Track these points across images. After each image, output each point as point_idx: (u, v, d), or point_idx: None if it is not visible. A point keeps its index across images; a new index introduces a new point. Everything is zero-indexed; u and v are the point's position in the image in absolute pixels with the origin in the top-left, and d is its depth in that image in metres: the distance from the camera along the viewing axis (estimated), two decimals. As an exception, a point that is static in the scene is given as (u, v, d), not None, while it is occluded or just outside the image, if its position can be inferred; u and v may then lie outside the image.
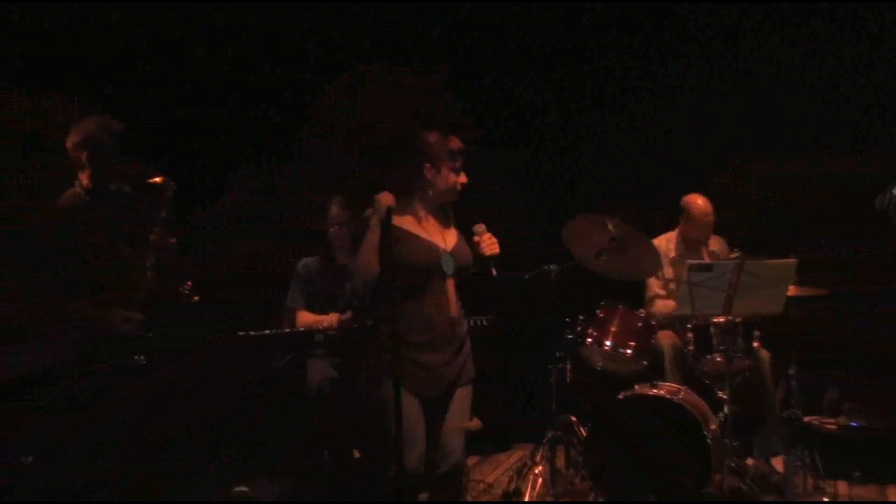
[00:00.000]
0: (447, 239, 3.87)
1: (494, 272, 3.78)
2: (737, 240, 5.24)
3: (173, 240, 4.17)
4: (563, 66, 6.54)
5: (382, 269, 3.65)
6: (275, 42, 6.08)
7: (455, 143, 3.95)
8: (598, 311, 4.81)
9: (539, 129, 6.77)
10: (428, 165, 3.86)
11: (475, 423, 3.88)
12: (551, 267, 4.67)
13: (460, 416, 3.80)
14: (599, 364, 4.86)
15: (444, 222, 3.93)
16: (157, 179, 4.12)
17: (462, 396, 3.81)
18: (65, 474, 4.44)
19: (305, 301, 4.98)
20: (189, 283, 4.17)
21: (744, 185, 6.27)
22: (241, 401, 4.40)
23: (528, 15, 6.43)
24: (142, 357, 4.07)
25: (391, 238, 3.64)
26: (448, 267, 3.77)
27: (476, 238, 3.83)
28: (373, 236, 3.66)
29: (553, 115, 6.71)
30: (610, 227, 4.52)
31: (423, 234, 3.82)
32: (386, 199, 3.68)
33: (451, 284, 3.78)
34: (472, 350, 3.90)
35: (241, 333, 4.31)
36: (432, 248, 3.79)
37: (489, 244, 3.78)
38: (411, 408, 3.63)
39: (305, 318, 4.93)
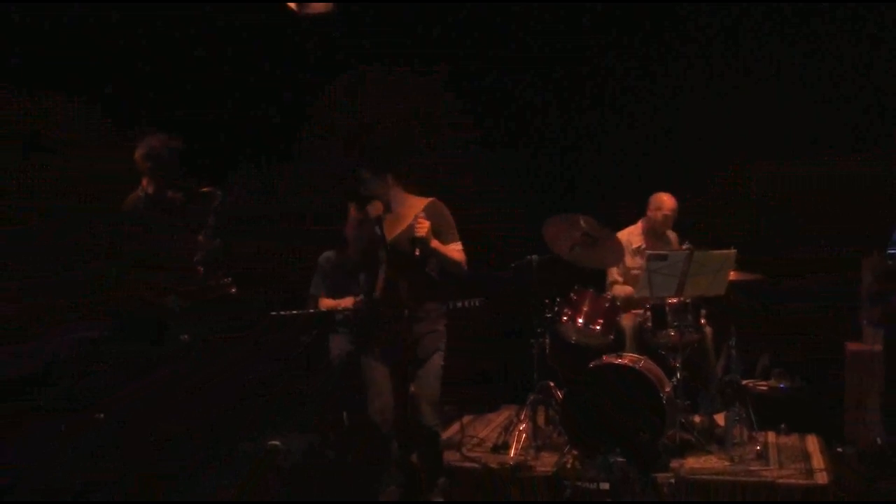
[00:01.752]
0: (392, 231, 4.39)
1: (417, 253, 4.23)
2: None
3: (219, 240, 4.75)
4: (563, 66, 6.53)
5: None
6: (275, 42, 6.08)
7: None
8: (571, 294, 5.52)
9: (539, 129, 6.77)
10: None
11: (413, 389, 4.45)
12: (533, 257, 5.46)
13: (426, 383, 4.36)
14: (573, 338, 5.54)
15: (399, 215, 4.41)
16: (207, 189, 4.70)
17: (427, 366, 4.37)
18: (65, 474, 4.45)
19: (326, 288, 5.57)
20: (229, 277, 4.77)
21: (744, 185, 6.28)
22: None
23: (528, 15, 6.42)
24: (186, 336, 4.65)
25: (383, 240, 4.32)
26: (381, 254, 4.36)
27: (413, 223, 4.31)
28: (356, 235, 4.40)
29: (553, 115, 6.71)
30: (582, 223, 5.19)
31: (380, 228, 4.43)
32: (376, 208, 4.32)
33: (390, 269, 4.35)
34: (465, 328, 4.69)
35: (274, 313, 5.03)
36: (378, 240, 4.37)
37: (418, 229, 4.24)
38: (374, 368, 4.36)
39: (326, 302, 5.54)
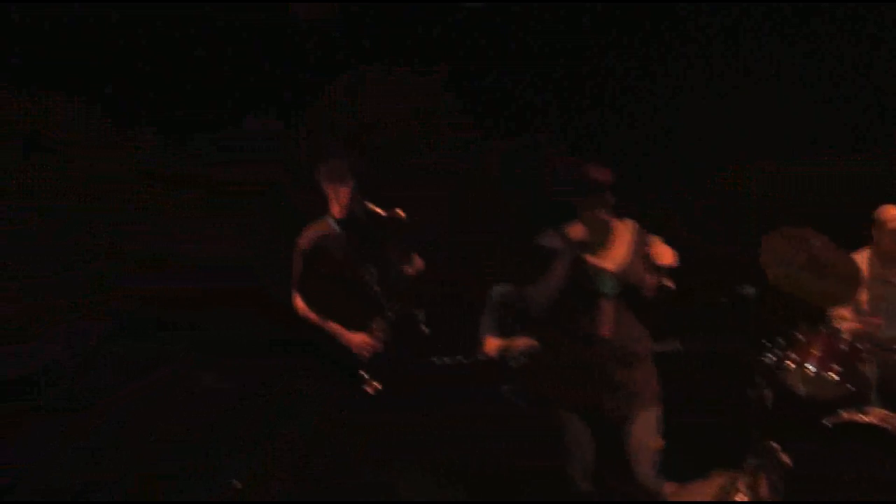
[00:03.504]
0: (614, 256, 3.90)
1: (670, 284, 3.75)
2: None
3: (411, 269, 4.56)
4: (563, 66, 6.53)
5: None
6: (275, 42, 6.08)
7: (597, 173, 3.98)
8: (798, 334, 4.62)
9: (539, 129, 6.76)
10: None
11: (656, 442, 3.93)
12: (748, 289, 4.49)
13: (643, 436, 3.85)
14: (802, 389, 4.61)
15: (610, 240, 3.94)
16: (391, 211, 4.45)
17: (646, 418, 3.87)
18: (65, 474, 4.45)
19: (498, 327, 4.99)
20: (421, 310, 4.47)
21: (744, 185, 6.27)
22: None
23: (528, 15, 6.42)
24: (376, 385, 4.36)
25: (583, 268, 3.81)
26: (607, 286, 3.83)
27: (649, 249, 3.81)
28: (560, 269, 3.80)
29: (553, 115, 6.70)
30: (812, 242, 4.36)
31: (586, 255, 3.88)
32: (576, 232, 3.84)
33: (611, 304, 3.83)
34: (669, 374, 3.99)
35: (436, 360, 4.63)
36: (592, 269, 3.85)
37: (662, 255, 3.76)
38: (575, 424, 3.85)
39: (494, 343, 4.95)
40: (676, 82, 6.38)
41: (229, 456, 4.73)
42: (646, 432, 3.85)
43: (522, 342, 4.78)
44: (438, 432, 4.50)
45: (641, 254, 3.86)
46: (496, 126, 6.67)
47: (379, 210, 4.48)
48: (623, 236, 3.94)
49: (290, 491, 4.71)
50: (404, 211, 4.63)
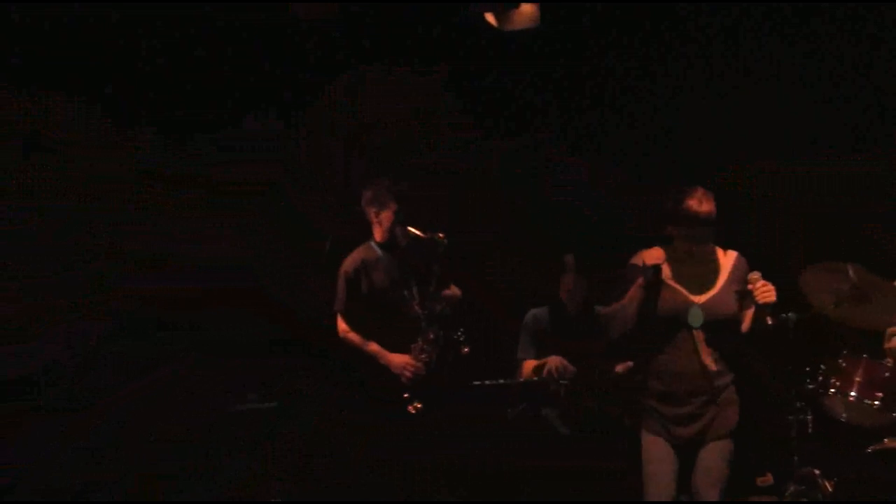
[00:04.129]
0: (704, 288, 3.85)
1: (770, 321, 3.73)
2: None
3: (451, 292, 4.60)
4: (563, 66, 6.53)
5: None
6: (275, 42, 6.08)
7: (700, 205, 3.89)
8: (840, 361, 4.60)
9: (539, 129, 6.77)
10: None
11: (766, 480, 4.05)
12: (789, 315, 4.57)
13: (715, 469, 3.82)
14: (843, 415, 4.60)
15: (705, 271, 3.90)
16: (431, 234, 4.52)
17: (717, 449, 3.83)
18: (65, 474, 4.46)
19: (535, 351, 5.08)
20: (462, 333, 4.51)
21: (744, 185, 6.27)
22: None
23: (529, 15, 6.41)
24: (418, 405, 4.41)
25: (659, 294, 3.75)
26: (694, 319, 3.77)
27: (749, 286, 3.75)
28: (637, 294, 3.75)
29: (553, 114, 6.71)
30: (851, 274, 4.39)
31: (675, 284, 3.84)
32: (654, 255, 3.76)
33: (699, 336, 3.78)
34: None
35: (478, 383, 4.59)
36: (680, 300, 3.80)
37: (763, 293, 3.70)
38: (659, 453, 3.80)
39: (530, 364, 5.04)
40: (676, 82, 6.38)
41: (229, 456, 4.73)
42: (716, 462, 3.81)
43: (556, 360, 4.81)
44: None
45: (735, 287, 3.82)
46: (496, 126, 6.68)
47: (419, 233, 4.54)
48: (723, 268, 3.89)
49: (290, 491, 4.71)
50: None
